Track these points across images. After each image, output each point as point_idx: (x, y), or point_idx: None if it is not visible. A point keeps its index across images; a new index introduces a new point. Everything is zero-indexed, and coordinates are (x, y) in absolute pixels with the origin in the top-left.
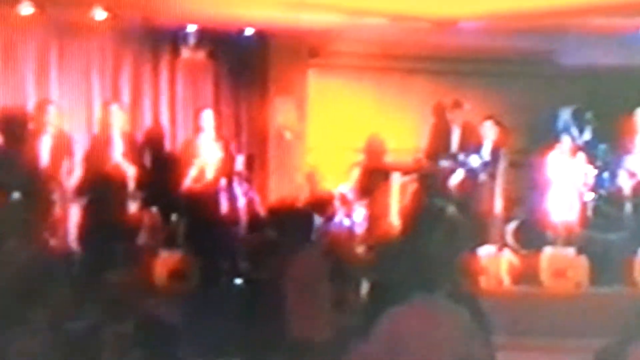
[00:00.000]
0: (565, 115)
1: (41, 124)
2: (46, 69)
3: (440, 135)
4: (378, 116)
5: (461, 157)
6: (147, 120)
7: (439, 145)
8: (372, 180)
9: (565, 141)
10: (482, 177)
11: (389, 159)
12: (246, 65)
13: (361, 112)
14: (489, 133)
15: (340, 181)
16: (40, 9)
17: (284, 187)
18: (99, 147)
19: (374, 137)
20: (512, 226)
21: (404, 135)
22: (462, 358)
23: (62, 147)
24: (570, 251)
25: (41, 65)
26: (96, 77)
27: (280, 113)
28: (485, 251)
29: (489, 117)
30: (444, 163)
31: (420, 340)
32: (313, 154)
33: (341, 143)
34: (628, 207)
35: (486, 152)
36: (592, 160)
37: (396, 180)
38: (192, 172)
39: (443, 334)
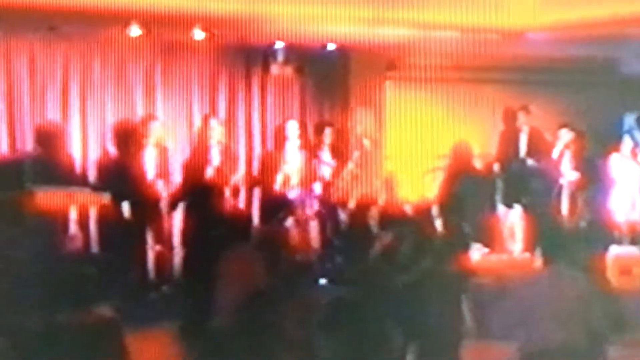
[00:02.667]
0: (629, 120)
1: (146, 137)
2: (152, 86)
3: (509, 141)
4: (451, 124)
5: (529, 161)
6: (241, 132)
7: (508, 151)
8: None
9: (628, 144)
10: (563, 183)
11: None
12: (329, 78)
13: (435, 120)
14: (564, 139)
15: (416, 187)
16: (147, 30)
17: (364, 193)
18: (198, 157)
19: (462, 142)
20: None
21: (475, 142)
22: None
23: (163, 159)
24: (635, 250)
25: (148, 82)
26: (196, 93)
27: (360, 123)
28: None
29: (565, 125)
30: (514, 167)
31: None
32: (390, 161)
33: (417, 150)
34: None
35: (564, 156)
36: None
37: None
38: (279, 179)
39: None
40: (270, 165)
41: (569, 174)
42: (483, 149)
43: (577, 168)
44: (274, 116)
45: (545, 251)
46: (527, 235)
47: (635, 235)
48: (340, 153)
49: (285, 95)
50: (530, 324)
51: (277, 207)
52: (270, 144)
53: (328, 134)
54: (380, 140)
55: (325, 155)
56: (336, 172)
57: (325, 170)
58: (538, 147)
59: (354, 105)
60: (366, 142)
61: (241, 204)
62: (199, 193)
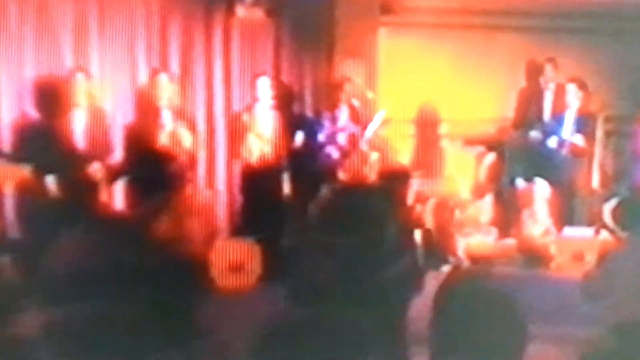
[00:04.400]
0: None
1: (75, 96)
2: (84, 32)
3: (532, 101)
4: (459, 81)
5: (553, 125)
6: (199, 91)
7: (530, 113)
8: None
9: None
10: (576, 148)
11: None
12: (309, 24)
13: (440, 76)
14: (574, 98)
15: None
16: None
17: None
18: (144, 121)
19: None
20: (610, 205)
21: (488, 102)
22: None
23: (98, 123)
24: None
25: (78, 27)
26: (141, 41)
27: (348, 79)
28: (580, 233)
29: (574, 80)
30: (535, 134)
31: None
32: (385, 125)
33: (417, 113)
34: None
35: (577, 120)
36: None
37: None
38: (246, 147)
39: None
40: (236, 131)
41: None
42: (498, 111)
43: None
44: (242, 71)
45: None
46: (555, 214)
47: None
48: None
49: (254, 45)
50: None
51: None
52: (236, 106)
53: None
54: (373, 100)
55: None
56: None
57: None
58: (563, 109)
59: (341, 58)
60: (355, 102)
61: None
62: (144, 165)
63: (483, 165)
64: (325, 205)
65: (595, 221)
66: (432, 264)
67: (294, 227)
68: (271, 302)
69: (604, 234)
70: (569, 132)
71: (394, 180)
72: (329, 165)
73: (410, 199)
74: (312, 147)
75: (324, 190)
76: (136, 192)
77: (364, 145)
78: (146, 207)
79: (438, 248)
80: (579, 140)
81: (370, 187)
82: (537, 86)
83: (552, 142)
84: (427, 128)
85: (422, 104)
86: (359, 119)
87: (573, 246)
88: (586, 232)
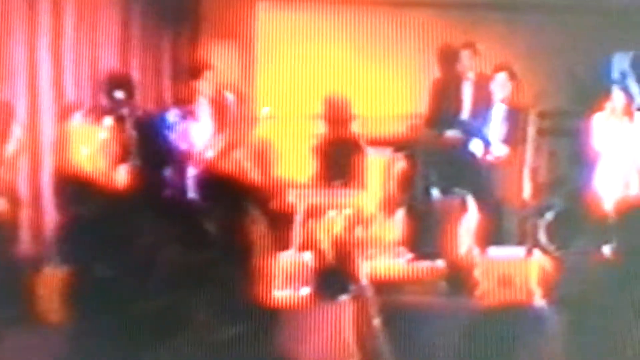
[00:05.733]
0: (620, 63)
1: None
2: None
3: (448, 94)
4: (359, 69)
5: (475, 124)
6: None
7: (447, 108)
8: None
9: (620, 99)
10: (504, 151)
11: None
12: None
13: (335, 63)
14: (502, 90)
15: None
16: None
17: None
18: None
19: (334, 97)
20: (545, 219)
21: (394, 96)
22: None
23: None
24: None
25: None
26: None
27: (218, 66)
28: (508, 254)
29: (502, 68)
30: (454, 133)
31: None
32: (264, 123)
33: (304, 107)
34: None
35: (506, 117)
36: None
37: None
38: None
39: None
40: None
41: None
42: (408, 106)
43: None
44: (75, 54)
45: None
46: (479, 231)
47: None
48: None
49: (95, 20)
50: None
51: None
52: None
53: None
54: (250, 92)
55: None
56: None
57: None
58: (488, 104)
59: (209, 40)
60: (229, 96)
61: None
62: None
63: (392, 173)
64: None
65: (526, 239)
66: (329, 292)
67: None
68: None
69: (537, 255)
70: (495, 131)
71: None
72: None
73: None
74: (161, 155)
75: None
76: None
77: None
78: None
79: (335, 273)
80: (507, 141)
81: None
82: (453, 76)
83: (474, 143)
84: (333, 125)
85: (315, 97)
86: (225, 116)
87: (500, 269)
88: (515, 252)
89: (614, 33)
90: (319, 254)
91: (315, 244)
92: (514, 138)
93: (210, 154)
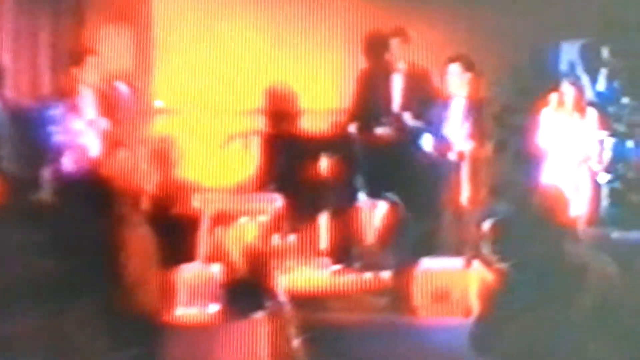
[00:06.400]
0: (569, 52)
1: None
2: None
3: (375, 87)
4: (272, 57)
5: (408, 119)
6: None
7: (373, 102)
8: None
9: (569, 92)
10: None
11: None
12: None
13: (245, 51)
14: (457, 83)
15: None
16: None
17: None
18: None
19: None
20: (486, 227)
21: (316, 89)
22: None
23: None
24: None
25: None
26: None
27: (109, 52)
28: (445, 265)
29: (456, 59)
30: (382, 130)
31: None
32: (162, 119)
33: (210, 101)
34: None
35: (455, 113)
36: (609, 121)
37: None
38: None
39: None
40: None
41: (464, 142)
42: (331, 100)
43: (478, 131)
44: None
45: None
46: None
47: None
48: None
49: None
50: None
51: None
52: None
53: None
54: (146, 83)
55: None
56: None
57: None
58: (422, 97)
59: (97, 23)
60: (121, 87)
61: None
62: None
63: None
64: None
65: (465, 249)
66: (241, 309)
67: None
68: None
69: (477, 266)
70: (455, 127)
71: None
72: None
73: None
74: (35, 155)
75: None
76: None
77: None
78: None
79: (248, 288)
80: (470, 136)
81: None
82: (382, 66)
83: (425, 139)
84: (274, 120)
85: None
86: (115, 110)
87: (436, 282)
88: (453, 263)
89: (562, 19)
90: (229, 266)
91: (225, 254)
92: (475, 133)
93: (93, 152)
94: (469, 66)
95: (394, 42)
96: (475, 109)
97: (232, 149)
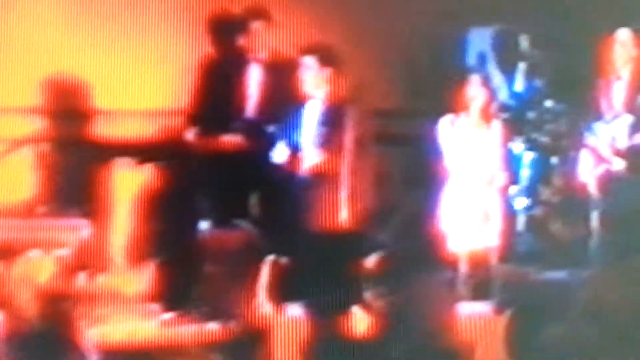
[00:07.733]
0: (478, 42)
1: None
2: None
3: (223, 81)
4: (85, 43)
5: (265, 124)
6: None
7: (220, 101)
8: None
9: (477, 93)
10: (318, 159)
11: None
12: None
13: (49, 35)
14: (312, 81)
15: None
16: None
17: None
18: None
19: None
20: (370, 261)
21: (142, 83)
22: None
23: None
24: (483, 307)
25: None
26: None
27: None
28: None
29: (311, 50)
30: (231, 137)
31: None
32: None
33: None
34: (594, 219)
35: (319, 115)
36: (528, 130)
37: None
38: None
39: None
40: None
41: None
42: (159, 97)
43: (337, 141)
44: None
45: None
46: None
47: (485, 277)
48: None
49: None
50: None
51: None
52: None
53: None
54: None
55: None
56: None
57: None
58: (287, 96)
59: None
60: None
61: None
62: None
63: (140, 194)
64: None
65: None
66: None
67: None
68: None
69: (356, 308)
70: (308, 134)
71: None
72: None
73: None
74: None
75: None
76: None
77: None
78: None
79: (41, 342)
80: (324, 147)
81: None
82: (234, 56)
83: (278, 150)
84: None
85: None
86: None
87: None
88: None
89: (470, 3)
90: (13, 314)
91: (7, 299)
92: (331, 144)
93: None
94: (328, 60)
95: (253, 26)
96: (336, 113)
97: (17, 159)
